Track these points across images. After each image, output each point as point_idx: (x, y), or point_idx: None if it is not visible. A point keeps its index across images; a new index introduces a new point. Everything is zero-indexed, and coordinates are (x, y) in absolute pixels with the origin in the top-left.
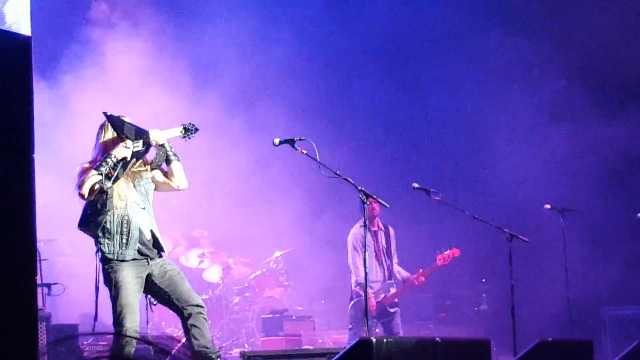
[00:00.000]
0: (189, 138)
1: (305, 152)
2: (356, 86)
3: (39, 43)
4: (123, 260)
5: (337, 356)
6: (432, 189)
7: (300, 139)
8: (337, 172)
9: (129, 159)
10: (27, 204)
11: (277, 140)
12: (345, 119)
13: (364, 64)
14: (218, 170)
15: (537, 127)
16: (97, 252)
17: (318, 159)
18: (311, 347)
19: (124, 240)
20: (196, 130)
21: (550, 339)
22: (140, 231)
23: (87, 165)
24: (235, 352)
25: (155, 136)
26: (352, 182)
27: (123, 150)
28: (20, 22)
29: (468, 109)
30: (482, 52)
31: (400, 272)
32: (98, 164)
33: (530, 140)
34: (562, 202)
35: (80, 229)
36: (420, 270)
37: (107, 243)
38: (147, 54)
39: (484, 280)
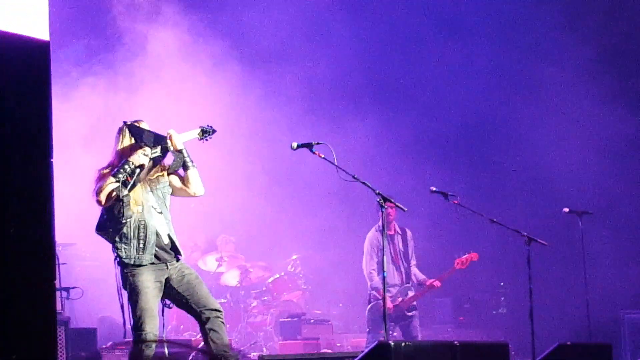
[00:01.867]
0: (207, 140)
1: (323, 156)
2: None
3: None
4: (140, 265)
5: (356, 359)
6: (450, 192)
7: (318, 143)
8: (355, 176)
9: (146, 165)
10: (45, 208)
11: (295, 144)
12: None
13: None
14: (234, 174)
15: (556, 130)
16: (115, 257)
17: (336, 163)
18: (329, 351)
19: (141, 245)
20: (214, 131)
21: (569, 343)
22: (158, 235)
23: (105, 171)
24: (254, 355)
25: (174, 141)
26: (370, 185)
27: (141, 157)
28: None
29: (484, 114)
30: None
31: (416, 274)
32: (116, 170)
33: (550, 143)
34: (580, 205)
35: (98, 234)
36: (438, 277)
37: (125, 248)
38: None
39: (502, 283)
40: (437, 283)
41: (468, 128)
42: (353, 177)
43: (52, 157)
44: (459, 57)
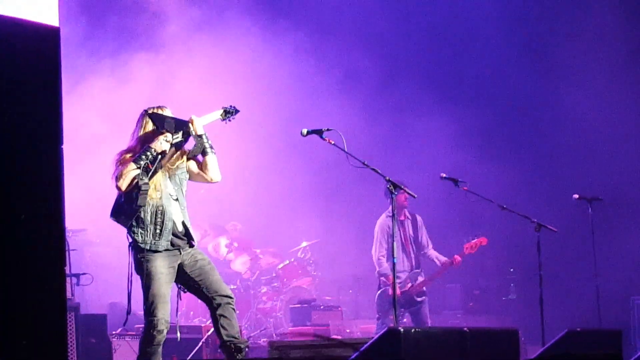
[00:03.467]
0: (229, 120)
1: (333, 142)
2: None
3: None
4: (156, 251)
5: (365, 346)
6: (460, 179)
7: (328, 129)
8: (365, 162)
9: (167, 152)
10: (56, 194)
11: (304, 131)
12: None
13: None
14: (246, 160)
15: (566, 116)
16: (130, 242)
17: (346, 149)
18: (339, 337)
19: (158, 231)
20: (237, 112)
21: (579, 329)
22: (174, 222)
23: (126, 155)
24: (264, 341)
25: (195, 126)
26: (380, 172)
27: (163, 144)
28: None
29: (495, 96)
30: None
31: (438, 257)
32: (137, 156)
33: (559, 129)
34: (590, 191)
35: (113, 219)
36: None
37: (141, 232)
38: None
39: (512, 270)
40: (457, 258)
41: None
42: (363, 163)
43: (62, 144)
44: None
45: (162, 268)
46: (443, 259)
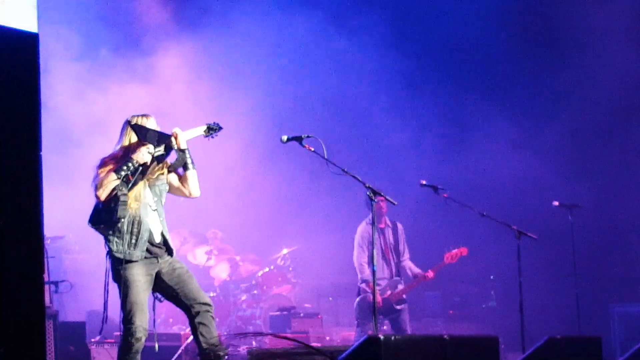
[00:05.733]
0: (212, 137)
1: (312, 149)
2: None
3: None
4: (130, 260)
5: (345, 353)
6: (440, 186)
7: (308, 136)
8: (345, 169)
9: (149, 164)
10: (34, 201)
11: (284, 138)
12: (349, 117)
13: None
14: (225, 167)
15: (543, 123)
16: (107, 250)
17: (326, 156)
18: (319, 345)
19: (134, 241)
20: (220, 128)
21: (559, 336)
22: (150, 233)
23: (107, 165)
24: (243, 349)
25: (178, 140)
26: (359, 179)
27: (145, 155)
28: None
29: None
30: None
31: (411, 268)
32: (118, 167)
33: (536, 137)
34: (570, 198)
35: (91, 226)
36: (429, 269)
37: (116, 242)
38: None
39: (492, 277)
40: (429, 274)
41: (455, 121)
42: (343, 170)
43: (41, 150)
44: None
45: (139, 276)
46: (416, 270)
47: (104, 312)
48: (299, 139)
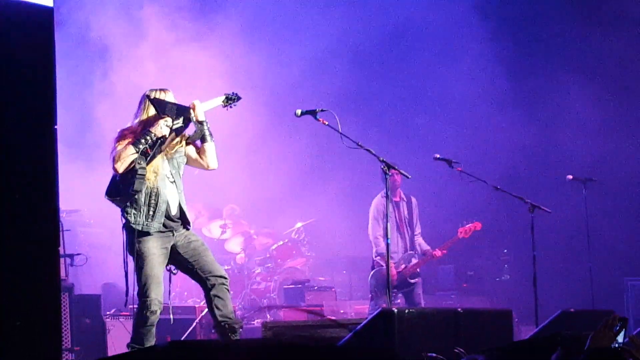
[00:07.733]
0: (231, 107)
1: (327, 123)
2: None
3: None
4: (148, 233)
5: (359, 326)
6: (453, 160)
7: (322, 110)
8: (359, 143)
9: (167, 137)
10: (49, 175)
11: (299, 111)
12: (366, 92)
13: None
14: (239, 140)
15: (558, 97)
16: (123, 222)
17: (340, 130)
18: (333, 318)
19: (151, 212)
20: (238, 98)
21: (572, 310)
22: (168, 205)
23: (126, 136)
24: (257, 322)
25: (196, 112)
26: (373, 152)
27: (163, 129)
28: None
29: (486, 82)
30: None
31: (421, 244)
32: (136, 140)
33: (552, 109)
34: (584, 172)
35: (108, 198)
36: (440, 246)
37: (134, 213)
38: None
39: (505, 251)
40: (437, 253)
41: (469, 95)
42: (357, 144)
43: (56, 124)
44: None
45: (155, 249)
46: (426, 248)
47: (126, 284)
48: (313, 113)
